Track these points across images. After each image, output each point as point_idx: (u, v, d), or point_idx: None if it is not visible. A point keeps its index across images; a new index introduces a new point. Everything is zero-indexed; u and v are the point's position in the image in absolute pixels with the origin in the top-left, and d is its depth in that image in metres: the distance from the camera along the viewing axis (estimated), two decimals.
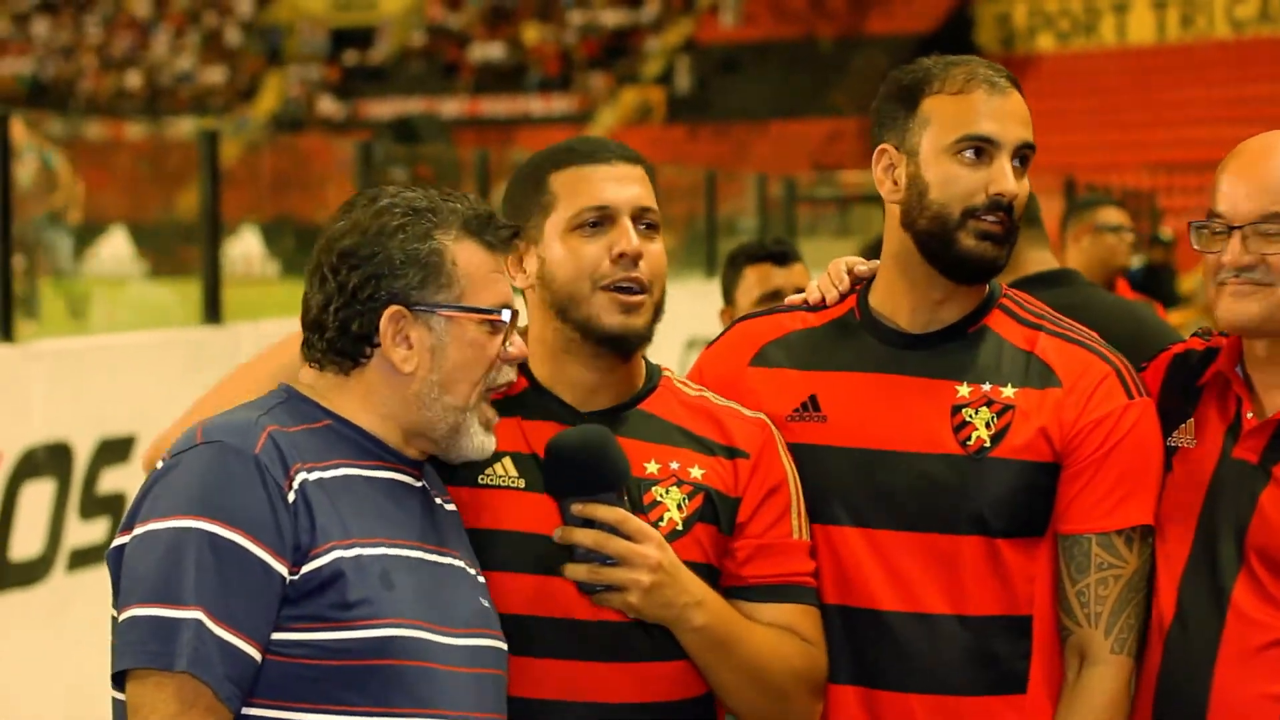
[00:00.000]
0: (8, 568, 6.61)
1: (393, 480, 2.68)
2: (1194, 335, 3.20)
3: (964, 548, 2.95)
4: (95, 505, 6.96)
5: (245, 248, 19.50)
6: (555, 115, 41.15)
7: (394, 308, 2.64)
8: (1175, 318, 11.81)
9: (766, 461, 2.93)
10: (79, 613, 6.64)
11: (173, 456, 2.58)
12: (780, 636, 2.88)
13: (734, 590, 2.89)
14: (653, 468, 2.87)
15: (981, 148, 2.96)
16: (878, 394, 3.02)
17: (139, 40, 50.04)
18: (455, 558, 2.71)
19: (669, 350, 10.87)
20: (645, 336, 2.87)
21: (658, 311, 2.89)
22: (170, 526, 2.49)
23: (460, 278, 2.67)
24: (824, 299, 3.15)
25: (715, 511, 2.88)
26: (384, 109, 40.40)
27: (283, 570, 2.51)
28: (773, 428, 2.98)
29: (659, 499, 2.85)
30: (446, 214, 2.68)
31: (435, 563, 2.66)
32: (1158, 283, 14.75)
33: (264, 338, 6.27)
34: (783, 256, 5.23)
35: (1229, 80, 32.78)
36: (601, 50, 43.95)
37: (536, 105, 42.81)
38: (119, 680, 2.51)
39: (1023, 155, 2.99)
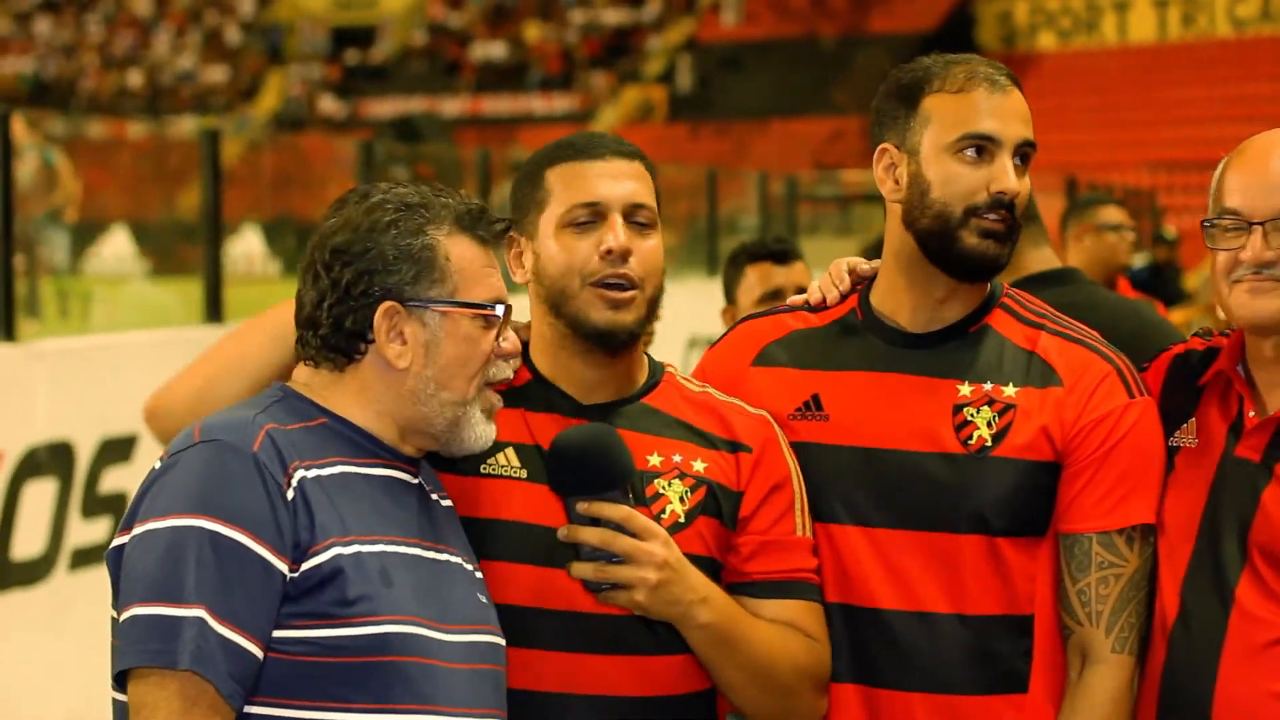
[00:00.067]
0: (9, 567, 6.61)
1: (389, 477, 2.68)
2: (1194, 335, 3.20)
3: (965, 547, 2.95)
4: (97, 505, 6.96)
5: (247, 247, 19.50)
6: (557, 114, 41.14)
7: (387, 304, 2.64)
8: (1177, 316, 11.80)
9: (770, 457, 2.94)
10: (81, 612, 6.64)
11: (171, 456, 2.58)
12: (785, 633, 2.88)
13: (738, 586, 2.89)
14: (655, 460, 2.88)
15: (982, 146, 2.96)
16: (879, 393, 3.02)
17: (140, 39, 50.04)
18: (452, 554, 2.71)
19: (670, 349, 10.87)
20: (634, 332, 2.87)
21: (651, 308, 2.89)
22: (170, 525, 2.49)
23: (453, 273, 2.67)
24: (824, 300, 3.15)
25: (718, 505, 2.89)
26: (385, 108, 40.40)
27: (283, 568, 2.51)
28: (775, 425, 2.99)
29: (661, 491, 2.86)
30: (439, 209, 2.69)
31: (433, 559, 2.66)
32: (1164, 281, 14.74)
33: None
34: (784, 255, 5.23)
35: (1230, 79, 32.77)
36: (603, 49, 43.94)
37: (538, 104, 42.80)
38: (120, 681, 2.51)
39: (1023, 153, 2.99)
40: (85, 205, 17.48)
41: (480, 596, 2.72)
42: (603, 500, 2.73)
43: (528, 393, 2.90)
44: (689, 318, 10.57)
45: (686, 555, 2.79)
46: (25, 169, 13.69)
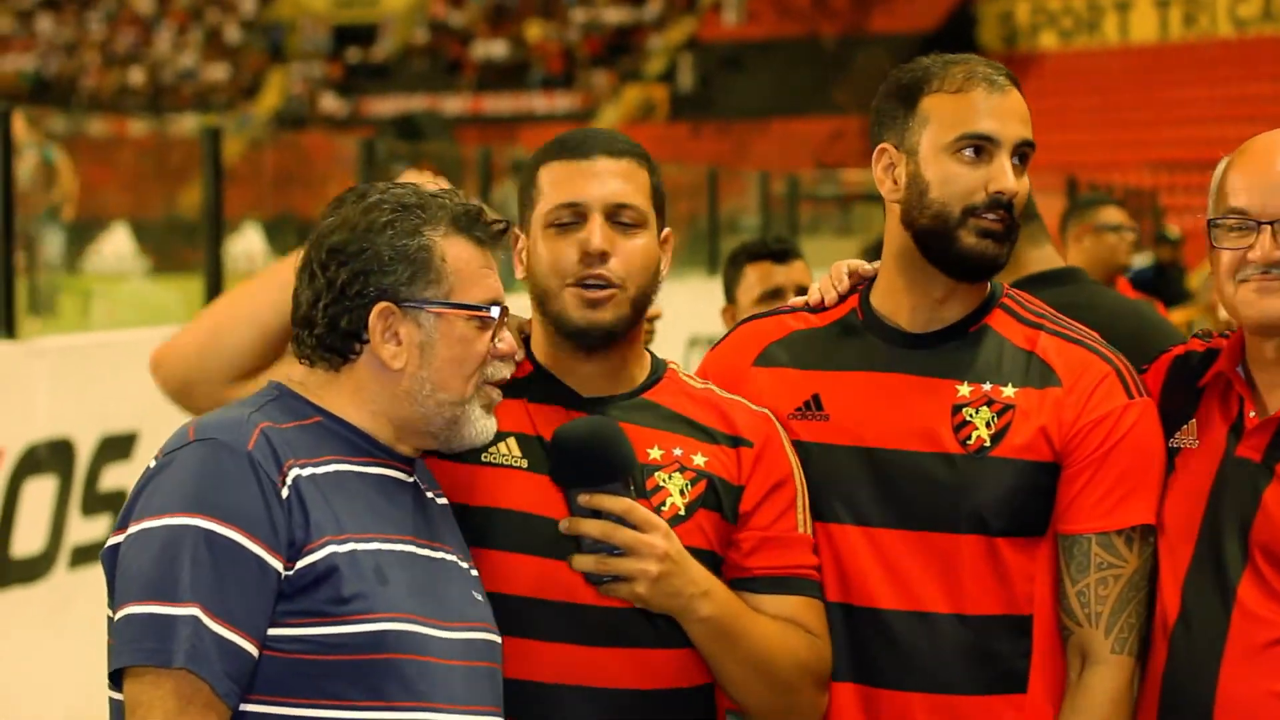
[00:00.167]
0: (9, 565, 6.60)
1: (384, 476, 2.68)
2: (1194, 336, 3.20)
3: (964, 547, 2.95)
4: (97, 502, 6.95)
5: (247, 245, 19.47)
6: (558, 113, 41.13)
7: (383, 304, 2.64)
8: (1178, 315, 11.80)
9: (771, 453, 2.94)
10: (81, 610, 6.63)
11: (165, 454, 2.58)
12: (786, 629, 2.89)
13: (739, 581, 2.90)
14: (655, 453, 2.88)
15: (981, 146, 2.96)
16: (879, 393, 3.02)
17: (142, 37, 50.05)
18: (448, 552, 2.71)
19: (671, 348, 10.86)
20: (612, 331, 2.87)
21: (636, 306, 2.89)
22: (165, 524, 2.49)
23: (449, 274, 2.67)
24: (824, 301, 3.16)
25: (718, 498, 2.89)
26: (386, 106, 40.39)
27: (278, 566, 2.51)
28: (777, 423, 2.99)
29: (662, 484, 2.87)
30: (435, 210, 2.68)
31: (428, 557, 2.66)
32: (1167, 281, 14.72)
33: None
34: (784, 254, 5.23)
35: (1231, 79, 32.76)
36: (604, 48, 43.95)
37: (539, 103, 42.80)
38: (116, 679, 2.51)
39: (1022, 153, 2.99)
40: (86, 203, 17.49)
41: (475, 594, 2.72)
42: (604, 492, 2.73)
43: (530, 384, 2.91)
44: (689, 317, 10.58)
45: (687, 548, 2.79)
46: (25, 166, 13.69)
